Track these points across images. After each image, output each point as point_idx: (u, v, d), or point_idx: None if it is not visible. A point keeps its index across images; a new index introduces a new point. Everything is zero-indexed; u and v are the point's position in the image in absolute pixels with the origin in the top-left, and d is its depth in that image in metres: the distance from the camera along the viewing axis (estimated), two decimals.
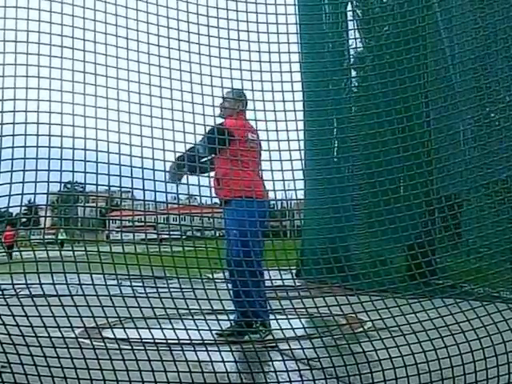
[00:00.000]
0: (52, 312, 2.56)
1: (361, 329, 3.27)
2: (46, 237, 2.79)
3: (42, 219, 2.96)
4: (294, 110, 2.69)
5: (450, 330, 2.74)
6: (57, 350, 2.61)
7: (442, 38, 3.33)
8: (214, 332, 3.02)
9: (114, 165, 2.39)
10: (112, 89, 2.42)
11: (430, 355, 2.68)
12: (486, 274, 2.95)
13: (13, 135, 2.28)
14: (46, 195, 2.53)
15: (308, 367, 2.87)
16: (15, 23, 2.28)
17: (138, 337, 2.81)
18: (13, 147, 2.27)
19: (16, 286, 2.57)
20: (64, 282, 2.58)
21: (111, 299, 2.67)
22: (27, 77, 2.30)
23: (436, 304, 2.85)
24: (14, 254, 2.70)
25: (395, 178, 2.98)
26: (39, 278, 2.51)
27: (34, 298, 2.52)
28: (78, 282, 2.60)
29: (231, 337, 3.53)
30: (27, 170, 2.26)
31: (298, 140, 2.71)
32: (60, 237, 3.15)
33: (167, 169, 2.90)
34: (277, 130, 2.70)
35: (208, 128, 2.83)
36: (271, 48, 2.73)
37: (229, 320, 3.75)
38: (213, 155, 3.67)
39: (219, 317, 3.11)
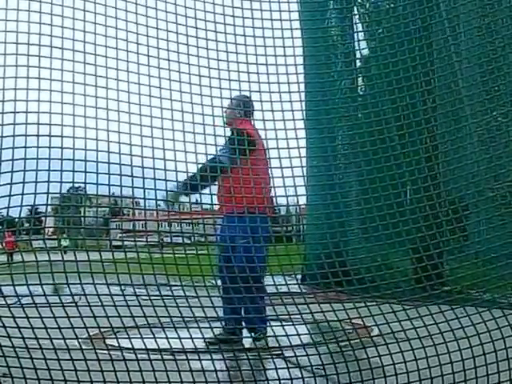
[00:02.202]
0: (56, 320, 2.55)
1: (367, 336, 3.22)
2: (48, 242, 2.79)
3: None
4: (293, 110, 2.68)
5: (455, 335, 2.71)
6: (59, 357, 2.60)
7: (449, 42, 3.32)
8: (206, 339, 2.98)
9: (114, 164, 2.40)
10: (112, 89, 2.45)
11: (432, 361, 2.64)
12: (491, 278, 2.91)
13: (13, 135, 2.29)
14: (47, 200, 2.52)
15: (311, 374, 2.83)
16: (16, 25, 2.31)
17: (142, 344, 2.78)
18: (13, 147, 2.28)
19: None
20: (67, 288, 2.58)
21: (114, 303, 2.66)
22: (28, 78, 2.32)
23: (442, 309, 2.81)
24: (15, 257, 2.69)
25: (399, 182, 2.95)
26: (42, 287, 2.51)
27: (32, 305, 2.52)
28: (80, 290, 2.60)
29: (224, 343, 3.54)
30: (27, 171, 2.27)
31: (299, 141, 2.70)
32: (63, 243, 3.15)
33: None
34: (277, 133, 2.70)
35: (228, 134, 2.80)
36: (271, 53, 2.76)
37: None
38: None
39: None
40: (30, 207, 2.58)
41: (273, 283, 3.04)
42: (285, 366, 2.94)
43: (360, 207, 3.02)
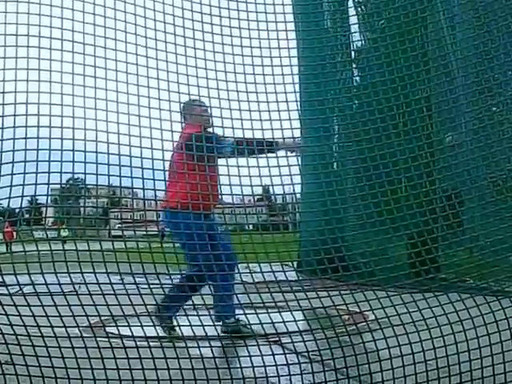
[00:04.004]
0: (57, 308, 2.58)
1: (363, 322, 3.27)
2: (48, 233, 2.82)
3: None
4: (287, 101, 2.72)
5: (449, 318, 2.76)
6: (60, 345, 2.63)
7: (444, 34, 3.34)
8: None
9: (113, 155, 2.43)
10: (111, 81, 2.47)
11: (426, 345, 2.69)
12: (485, 263, 2.95)
13: (13, 126, 2.31)
14: (47, 190, 2.54)
15: (308, 360, 2.88)
16: (16, 17, 2.33)
17: (142, 333, 2.82)
18: (14, 138, 2.31)
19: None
20: (67, 277, 2.61)
21: (114, 292, 2.69)
22: (28, 69, 2.35)
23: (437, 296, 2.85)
24: (14, 247, 2.72)
25: (394, 170, 2.98)
26: (43, 275, 2.54)
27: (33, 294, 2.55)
28: (81, 278, 2.64)
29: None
30: (28, 161, 2.29)
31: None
32: (63, 233, 3.19)
33: None
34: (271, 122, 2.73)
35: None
36: (267, 40, 2.78)
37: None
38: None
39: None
40: (29, 198, 2.61)
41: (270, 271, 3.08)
42: (282, 351, 2.99)
43: (355, 195, 3.06)
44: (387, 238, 3.07)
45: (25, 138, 2.32)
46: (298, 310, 3.10)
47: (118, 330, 2.97)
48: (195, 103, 3.61)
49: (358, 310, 2.99)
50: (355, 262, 2.95)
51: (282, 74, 2.82)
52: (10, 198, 2.31)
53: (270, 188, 3.23)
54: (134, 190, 2.89)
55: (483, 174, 3.11)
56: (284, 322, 2.96)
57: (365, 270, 2.92)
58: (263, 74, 2.78)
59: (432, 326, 2.74)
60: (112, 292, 2.69)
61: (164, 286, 2.95)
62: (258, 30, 2.77)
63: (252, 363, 2.81)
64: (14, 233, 2.98)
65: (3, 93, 2.32)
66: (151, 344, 2.74)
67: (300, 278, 3.54)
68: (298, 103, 2.90)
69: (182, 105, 3.15)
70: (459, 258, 3.12)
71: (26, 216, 2.82)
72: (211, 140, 3.02)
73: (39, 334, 2.58)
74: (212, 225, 3.93)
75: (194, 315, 2.90)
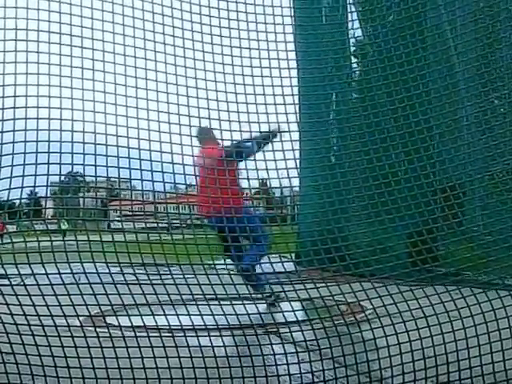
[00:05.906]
0: (57, 298, 2.61)
1: (362, 314, 3.29)
2: (48, 225, 2.85)
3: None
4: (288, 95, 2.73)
5: (450, 316, 2.77)
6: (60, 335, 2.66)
7: (444, 24, 3.34)
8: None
9: (112, 147, 2.45)
10: (109, 73, 2.50)
11: (425, 341, 2.71)
12: (487, 261, 2.95)
13: (13, 118, 2.34)
14: (46, 182, 2.56)
15: (305, 350, 2.91)
16: (15, 12, 2.36)
17: (141, 323, 2.84)
18: (14, 130, 2.33)
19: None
20: (68, 269, 2.64)
21: (115, 286, 2.72)
22: (27, 63, 2.37)
23: (438, 290, 2.86)
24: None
25: (394, 162, 2.99)
26: (44, 266, 2.57)
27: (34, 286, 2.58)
28: (81, 270, 2.67)
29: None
30: (28, 153, 2.32)
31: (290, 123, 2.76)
32: (62, 227, 3.23)
33: None
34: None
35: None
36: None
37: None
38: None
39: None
40: (29, 191, 2.63)
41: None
42: (280, 342, 3.02)
43: (356, 188, 3.07)
44: (390, 232, 3.08)
45: (24, 130, 2.35)
46: (296, 301, 3.14)
47: (118, 321, 3.01)
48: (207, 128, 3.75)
49: (357, 302, 3.00)
50: (357, 257, 2.96)
51: (280, 66, 2.84)
52: (9, 189, 2.34)
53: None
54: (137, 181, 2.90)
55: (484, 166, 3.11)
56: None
57: (376, 267, 2.93)
58: (259, 67, 2.79)
59: (432, 324, 2.75)
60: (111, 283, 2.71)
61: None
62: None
63: (250, 353, 2.84)
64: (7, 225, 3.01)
65: (3, 86, 2.35)
66: (150, 334, 2.77)
67: (298, 269, 3.56)
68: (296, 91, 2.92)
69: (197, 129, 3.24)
70: (460, 253, 3.12)
71: (26, 208, 2.84)
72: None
73: (39, 324, 2.61)
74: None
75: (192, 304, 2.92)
